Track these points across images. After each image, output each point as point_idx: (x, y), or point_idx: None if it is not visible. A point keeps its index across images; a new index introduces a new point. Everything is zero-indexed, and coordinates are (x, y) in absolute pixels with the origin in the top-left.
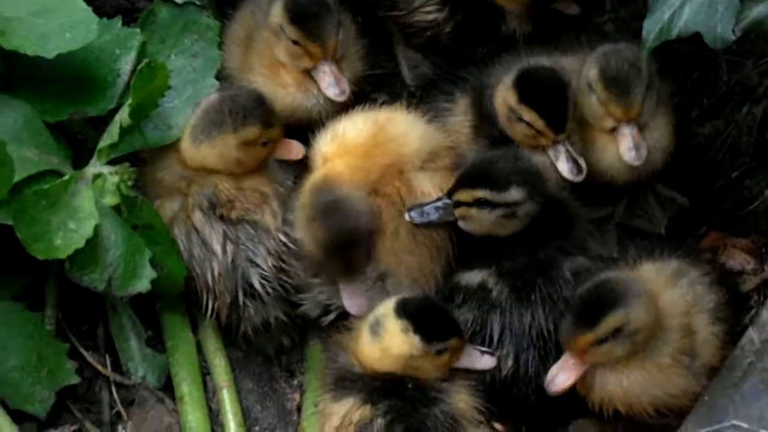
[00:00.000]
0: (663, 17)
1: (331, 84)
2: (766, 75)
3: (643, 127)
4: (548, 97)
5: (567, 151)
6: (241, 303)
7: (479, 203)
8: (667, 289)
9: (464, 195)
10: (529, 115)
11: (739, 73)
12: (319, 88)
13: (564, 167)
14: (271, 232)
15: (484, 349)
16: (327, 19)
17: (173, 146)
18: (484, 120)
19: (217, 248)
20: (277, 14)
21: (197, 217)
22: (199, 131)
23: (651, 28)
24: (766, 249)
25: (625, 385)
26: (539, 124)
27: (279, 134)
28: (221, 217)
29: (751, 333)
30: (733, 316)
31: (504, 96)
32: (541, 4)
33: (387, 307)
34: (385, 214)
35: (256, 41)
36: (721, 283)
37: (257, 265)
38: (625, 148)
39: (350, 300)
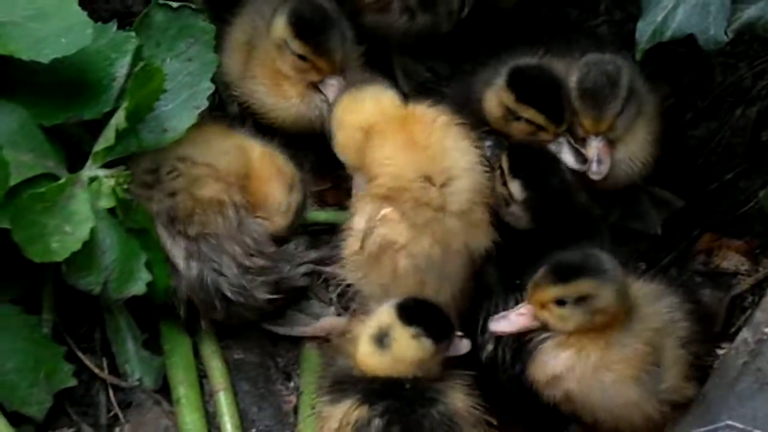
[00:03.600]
0: (656, 19)
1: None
2: (759, 76)
3: (616, 141)
4: (544, 92)
5: (569, 142)
6: (219, 308)
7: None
8: (647, 304)
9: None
10: (528, 112)
11: (733, 74)
12: (323, 99)
13: (569, 159)
14: (233, 238)
15: (460, 334)
16: (332, 32)
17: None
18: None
19: (182, 264)
20: (280, 28)
21: (160, 231)
22: None
23: (644, 30)
24: (760, 250)
25: (584, 362)
26: (540, 119)
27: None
28: (180, 233)
29: (746, 333)
30: (704, 348)
31: (498, 98)
32: None
33: (388, 317)
34: None
35: (258, 49)
36: (696, 314)
37: (224, 275)
38: (590, 158)
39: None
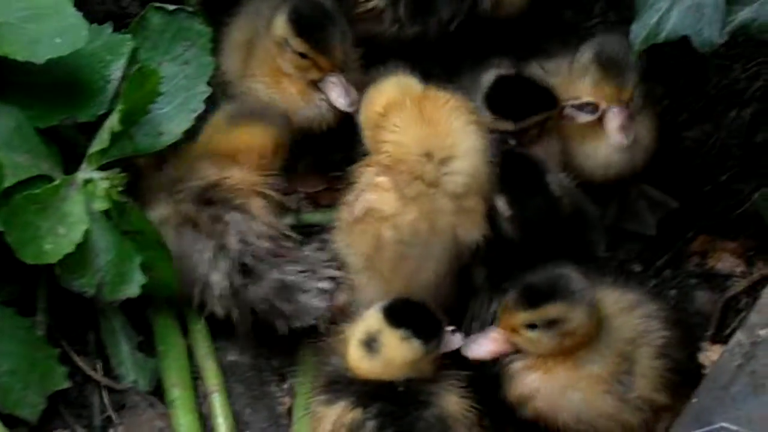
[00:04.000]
0: (650, 21)
1: (341, 95)
2: (754, 78)
3: (632, 115)
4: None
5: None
6: (236, 284)
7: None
8: (619, 315)
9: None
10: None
11: (727, 76)
12: (322, 98)
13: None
14: (260, 218)
15: (451, 328)
16: (333, 29)
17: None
18: None
19: (209, 231)
20: (281, 27)
21: (187, 207)
22: None
23: (638, 32)
24: (755, 252)
25: (551, 383)
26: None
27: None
28: (209, 201)
29: (740, 336)
30: (685, 356)
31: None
32: None
33: (375, 320)
34: None
35: (257, 48)
36: (677, 322)
37: (249, 244)
38: (613, 128)
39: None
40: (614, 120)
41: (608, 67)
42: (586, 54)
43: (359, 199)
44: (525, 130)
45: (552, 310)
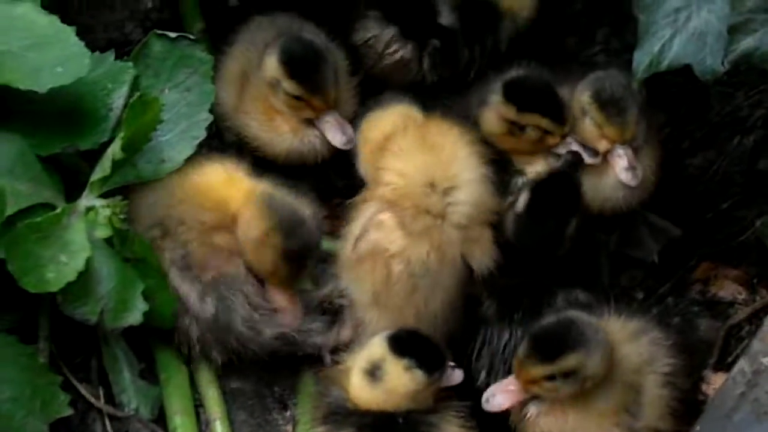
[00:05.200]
0: (653, 49)
1: (337, 134)
2: (756, 106)
3: (636, 151)
4: (543, 97)
5: (575, 141)
6: (234, 346)
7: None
8: (625, 343)
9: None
10: (532, 119)
11: (730, 104)
12: (316, 135)
13: (583, 156)
14: (246, 280)
15: (452, 364)
16: (326, 69)
17: (149, 188)
18: None
19: (197, 305)
20: (273, 68)
21: (174, 274)
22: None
23: (641, 60)
24: (757, 279)
25: (560, 425)
26: (545, 123)
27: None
28: (196, 278)
29: (743, 363)
30: (689, 384)
31: (499, 113)
32: None
33: (380, 349)
34: None
35: (250, 83)
36: (682, 350)
37: (237, 312)
38: (621, 168)
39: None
40: (621, 161)
41: (609, 107)
42: (585, 94)
43: (363, 239)
44: (522, 128)
45: (570, 361)
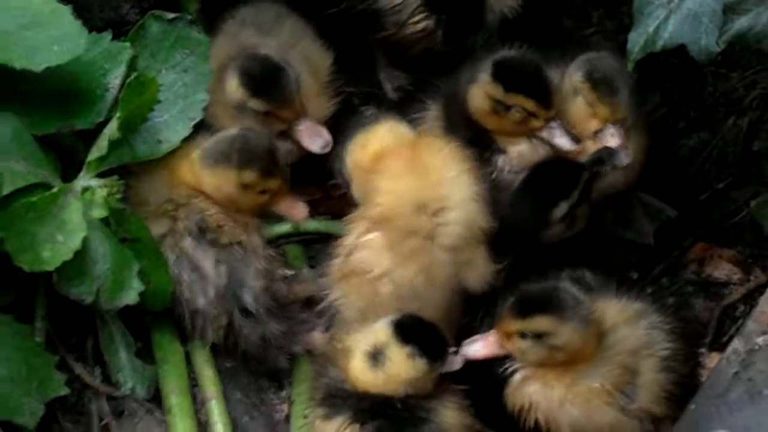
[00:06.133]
0: (648, 30)
1: (313, 140)
2: (751, 86)
3: (627, 131)
4: (531, 79)
5: (560, 126)
6: (236, 324)
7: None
8: (623, 326)
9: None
10: (518, 100)
11: (725, 84)
12: (291, 145)
13: (563, 141)
14: (259, 252)
15: (453, 350)
16: (288, 80)
17: (160, 166)
18: (455, 123)
19: (210, 272)
20: (235, 91)
21: (188, 242)
22: (207, 155)
23: (636, 41)
24: (752, 260)
25: (547, 396)
26: (530, 105)
27: (280, 187)
28: (211, 242)
29: (737, 343)
30: (687, 369)
31: (485, 92)
32: None
33: (384, 335)
34: None
35: (222, 89)
36: (681, 334)
37: (248, 285)
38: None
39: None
40: (612, 140)
41: (601, 86)
42: (577, 74)
43: (352, 256)
44: (507, 108)
45: (541, 322)
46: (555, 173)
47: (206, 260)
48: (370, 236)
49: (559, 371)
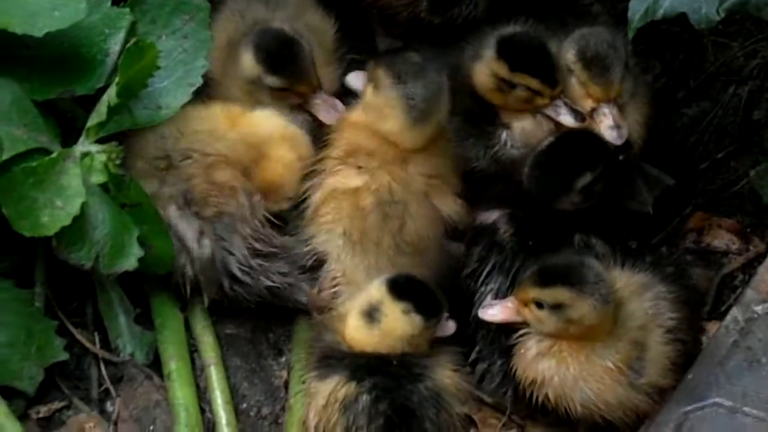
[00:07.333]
0: None
1: (328, 112)
2: (751, 56)
3: (621, 108)
4: (536, 58)
5: (566, 103)
6: (227, 289)
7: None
8: (632, 299)
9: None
10: (523, 79)
11: (725, 54)
12: (305, 119)
13: (568, 119)
14: (246, 220)
15: (447, 314)
16: (303, 55)
17: (151, 128)
18: (459, 96)
19: (194, 244)
20: (251, 67)
21: (172, 212)
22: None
23: (636, 9)
24: (751, 229)
25: (561, 373)
26: (535, 84)
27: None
28: (196, 214)
29: (736, 312)
30: (691, 337)
31: (490, 69)
32: None
33: (379, 292)
34: None
35: (233, 62)
36: (685, 303)
37: (234, 255)
38: (605, 127)
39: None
40: (606, 120)
41: (593, 66)
42: (570, 52)
43: (320, 187)
44: (512, 86)
45: (559, 293)
46: (584, 144)
47: (189, 232)
48: (338, 167)
49: (574, 348)
